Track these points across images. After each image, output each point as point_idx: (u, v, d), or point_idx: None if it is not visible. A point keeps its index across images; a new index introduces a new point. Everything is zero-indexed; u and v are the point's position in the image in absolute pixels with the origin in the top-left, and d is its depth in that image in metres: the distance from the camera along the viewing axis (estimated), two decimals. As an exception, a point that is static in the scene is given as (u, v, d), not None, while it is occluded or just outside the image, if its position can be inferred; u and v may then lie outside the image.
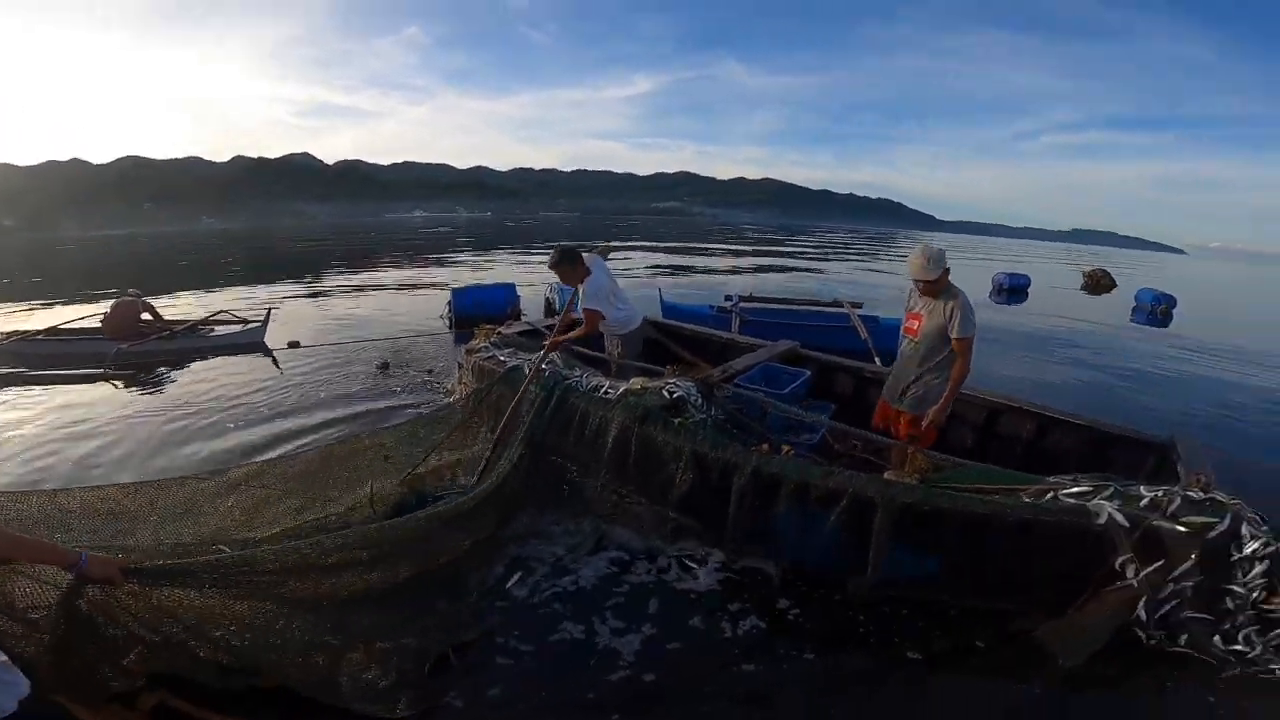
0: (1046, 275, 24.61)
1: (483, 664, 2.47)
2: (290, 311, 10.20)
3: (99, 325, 7.14)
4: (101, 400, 5.67)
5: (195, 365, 6.81)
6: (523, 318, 8.43)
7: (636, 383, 3.62)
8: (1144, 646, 2.45)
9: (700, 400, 3.46)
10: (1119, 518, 2.50)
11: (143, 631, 1.90)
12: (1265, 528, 2.45)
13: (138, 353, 6.84)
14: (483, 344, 4.57)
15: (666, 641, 2.64)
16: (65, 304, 10.82)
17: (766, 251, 31.57)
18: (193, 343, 7.45)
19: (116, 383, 6.18)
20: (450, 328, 8.83)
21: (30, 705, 1.57)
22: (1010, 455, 3.91)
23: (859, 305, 8.39)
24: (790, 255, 29.88)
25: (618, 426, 3.41)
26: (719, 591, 2.96)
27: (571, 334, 4.10)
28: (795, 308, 8.89)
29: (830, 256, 30.89)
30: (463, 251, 24.78)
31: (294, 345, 7.50)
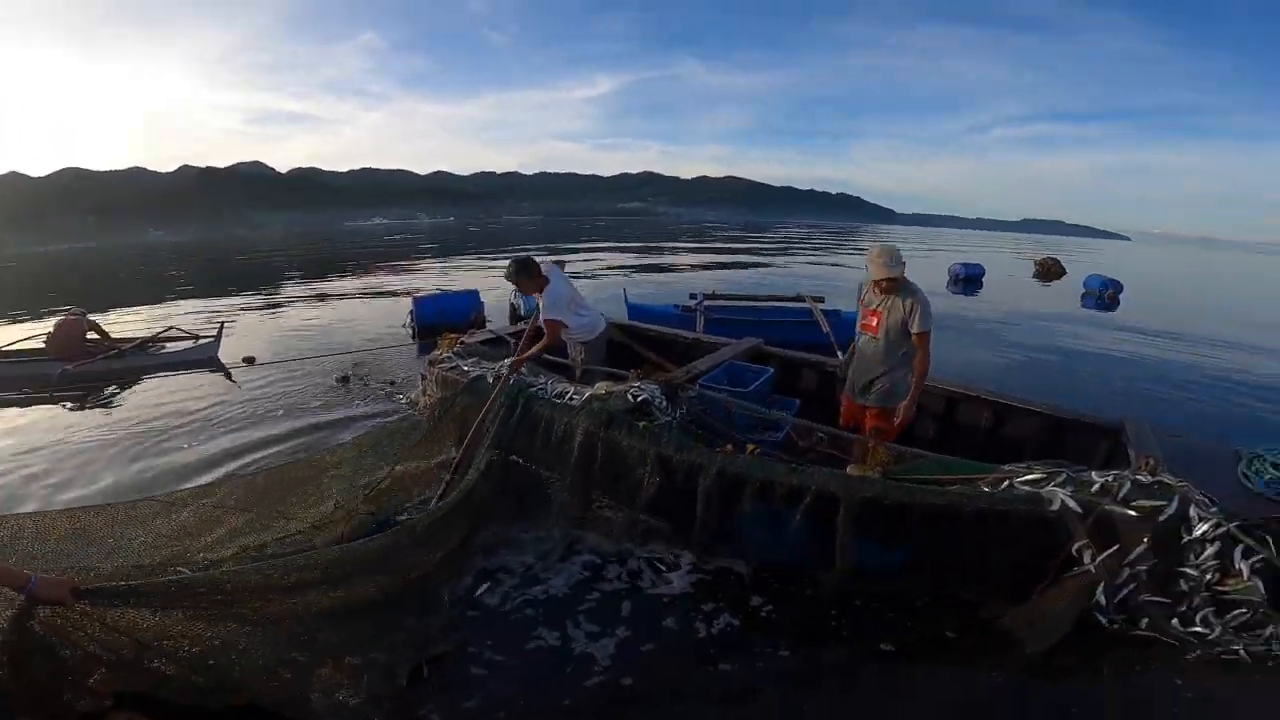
0: (1000, 264, 25.35)
1: (458, 676, 2.44)
2: (246, 326, 9.90)
3: (43, 346, 6.85)
4: (48, 423, 5.43)
5: (146, 384, 6.57)
6: (487, 325, 8.34)
7: (601, 387, 3.62)
8: (1107, 631, 2.49)
9: (665, 403, 3.47)
10: (1072, 504, 2.56)
11: (100, 652, 1.92)
12: (1214, 509, 2.50)
13: (85, 373, 6.57)
14: (445, 354, 4.50)
15: (641, 644, 2.65)
16: (6, 324, 10.31)
17: (731, 249, 31.81)
18: (142, 361, 7.18)
19: (63, 405, 5.93)
20: (413, 338, 8.69)
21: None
22: (970, 444, 4.01)
23: (821, 299, 8.50)
24: (754, 251, 30.16)
25: (583, 432, 3.40)
26: (691, 592, 2.98)
27: (534, 349, 4.04)
28: (759, 304, 8.96)
29: (793, 251, 31.30)
30: (425, 258, 24.40)
31: (249, 361, 7.27)
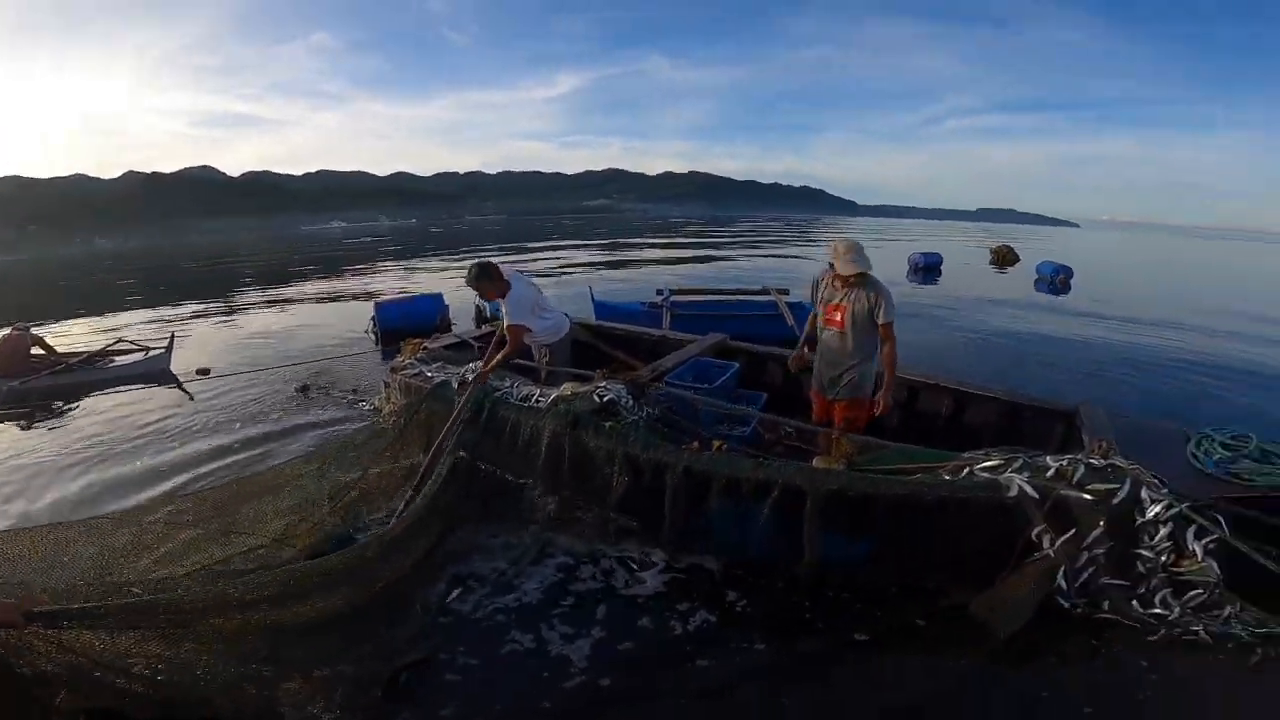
0: (957, 253, 25.92)
1: (433, 683, 2.41)
2: (200, 336, 9.58)
3: (-16, 364, 6.52)
4: (-9, 443, 5.17)
5: (95, 400, 6.29)
6: (453, 328, 8.21)
7: (567, 389, 3.60)
8: (1070, 615, 2.53)
9: (631, 402, 3.47)
10: (1029, 489, 2.60)
11: (60, 671, 1.89)
12: (1164, 491, 2.55)
13: (30, 390, 6.32)
14: (409, 360, 4.43)
15: (617, 644, 2.65)
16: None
17: (697, 243, 31.95)
18: (91, 376, 6.89)
19: (9, 423, 5.68)
20: (376, 343, 8.50)
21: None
22: (932, 431, 4.10)
23: (785, 292, 8.59)
24: (719, 245, 30.33)
25: (550, 434, 3.39)
26: (665, 590, 2.98)
27: (499, 357, 3.96)
28: (725, 299, 9.02)
29: (758, 244, 31.55)
30: (387, 260, 23.92)
31: (204, 373, 7.02)
